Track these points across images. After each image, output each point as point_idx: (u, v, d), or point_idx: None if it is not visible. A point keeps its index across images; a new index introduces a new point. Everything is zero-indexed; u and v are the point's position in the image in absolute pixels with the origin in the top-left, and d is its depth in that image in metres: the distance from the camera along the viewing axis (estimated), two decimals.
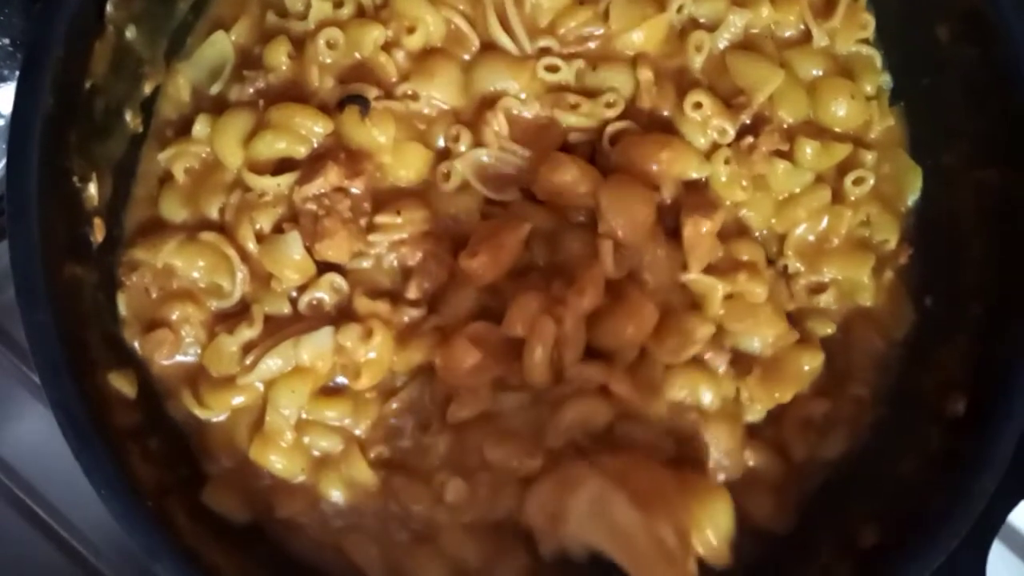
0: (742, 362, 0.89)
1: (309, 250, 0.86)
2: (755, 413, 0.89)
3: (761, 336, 0.89)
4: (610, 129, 0.90)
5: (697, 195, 0.90)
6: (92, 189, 0.86)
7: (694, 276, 0.87)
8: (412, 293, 0.87)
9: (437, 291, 0.88)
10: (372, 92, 0.88)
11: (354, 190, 0.87)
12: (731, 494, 0.86)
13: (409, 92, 0.90)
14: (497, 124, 0.89)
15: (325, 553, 0.88)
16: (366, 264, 0.88)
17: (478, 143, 0.89)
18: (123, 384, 0.85)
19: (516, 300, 0.85)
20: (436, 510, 0.86)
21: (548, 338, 0.84)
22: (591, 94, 0.91)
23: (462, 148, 0.89)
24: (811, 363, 0.90)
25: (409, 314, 0.87)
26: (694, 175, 0.90)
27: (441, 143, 0.91)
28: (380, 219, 0.87)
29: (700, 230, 0.87)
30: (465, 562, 0.87)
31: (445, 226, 0.89)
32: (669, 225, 0.89)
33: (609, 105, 0.91)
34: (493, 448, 0.86)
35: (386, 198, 0.89)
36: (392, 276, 0.89)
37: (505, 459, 0.86)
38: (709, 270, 0.88)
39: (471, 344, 0.84)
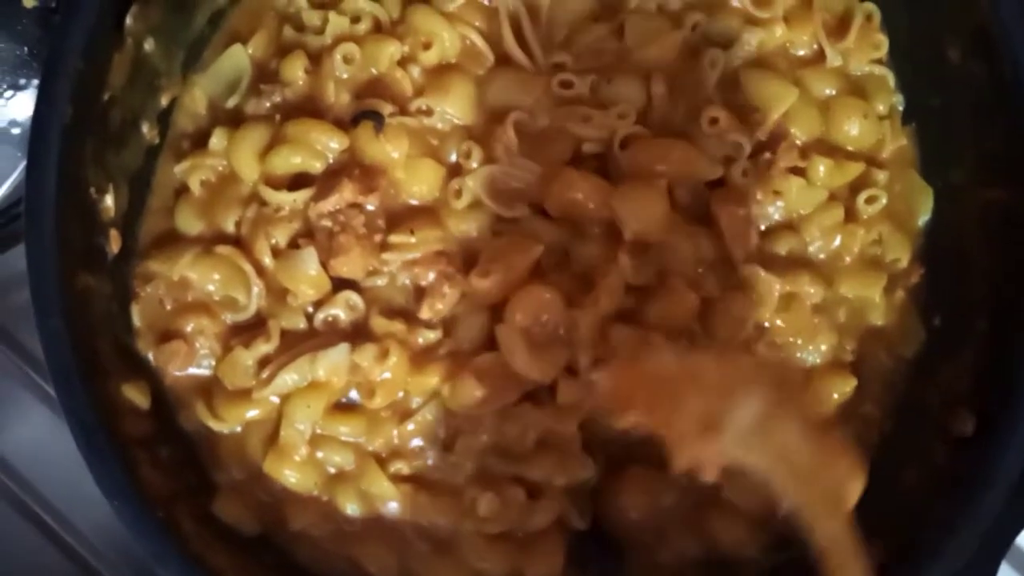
0: None
1: (324, 266, 0.86)
2: None
3: (816, 345, 0.90)
4: (621, 132, 0.90)
5: (722, 188, 0.90)
6: (108, 200, 0.86)
7: (759, 273, 0.87)
8: (425, 314, 0.87)
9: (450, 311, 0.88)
10: (387, 108, 0.88)
11: (369, 207, 0.87)
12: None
13: (423, 107, 0.90)
14: (507, 139, 0.89)
15: (335, 562, 0.88)
16: (380, 282, 0.88)
17: (489, 159, 0.89)
18: (136, 395, 0.85)
19: (519, 292, 0.85)
20: (464, 522, 0.87)
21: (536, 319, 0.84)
22: (603, 106, 0.91)
23: (473, 164, 0.89)
24: (843, 388, 0.90)
25: (425, 336, 0.87)
26: (708, 176, 0.90)
27: (453, 158, 0.91)
28: (394, 238, 0.87)
29: (737, 215, 0.88)
30: (487, 573, 0.87)
31: (458, 244, 0.89)
32: (692, 213, 0.89)
33: (621, 116, 0.90)
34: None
35: (400, 216, 0.89)
36: (406, 294, 0.89)
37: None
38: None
39: (476, 380, 0.85)
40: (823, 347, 0.91)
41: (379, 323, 0.86)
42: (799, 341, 0.90)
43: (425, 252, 0.87)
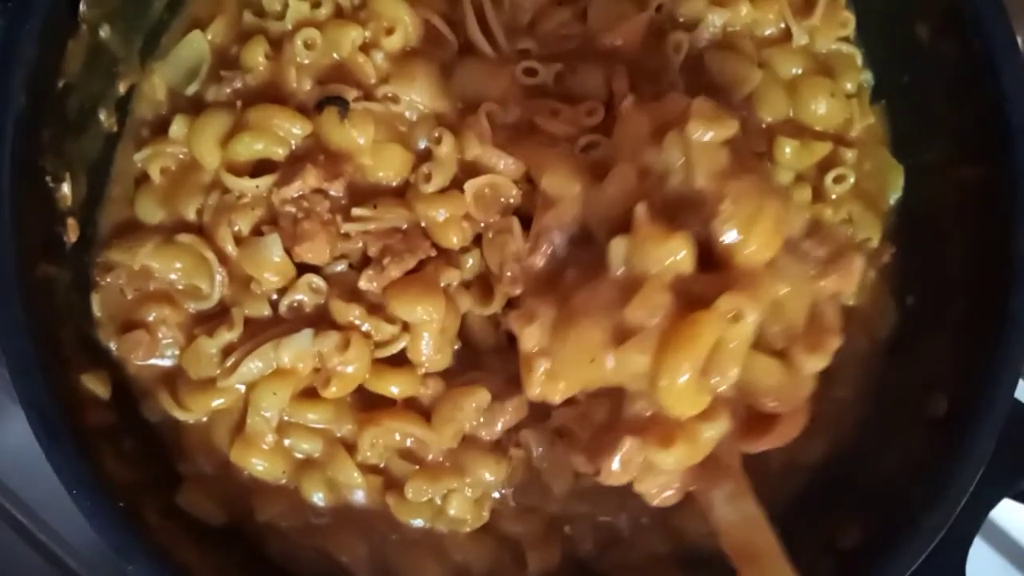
0: None
1: (288, 252, 0.85)
2: None
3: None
4: (583, 140, 0.87)
5: None
6: (66, 189, 0.85)
7: None
8: (362, 284, 0.85)
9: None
10: (351, 93, 0.87)
11: (333, 192, 0.86)
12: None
13: (389, 94, 0.89)
14: (479, 128, 0.87)
15: (305, 554, 0.87)
16: (342, 268, 0.87)
17: (461, 146, 0.87)
18: (96, 385, 0.84)
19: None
20: (438, 521, 0.86)
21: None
22: (571, 99, 0.90)
23: (444, 151, 0.87)
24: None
25: (381, 331, 0.85)
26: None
27: (422, 145, 0.89)
28: (356, 211, 0.85)
29: None
30: (469, 566, 0.86)
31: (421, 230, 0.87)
32: None
33: (589, 113, 0.89)
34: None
35: (365, 194, 0.87)
36: None
37: None
38: None
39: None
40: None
41: (338, 306, 0.84)
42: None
43: (383, 227, 0.85)
